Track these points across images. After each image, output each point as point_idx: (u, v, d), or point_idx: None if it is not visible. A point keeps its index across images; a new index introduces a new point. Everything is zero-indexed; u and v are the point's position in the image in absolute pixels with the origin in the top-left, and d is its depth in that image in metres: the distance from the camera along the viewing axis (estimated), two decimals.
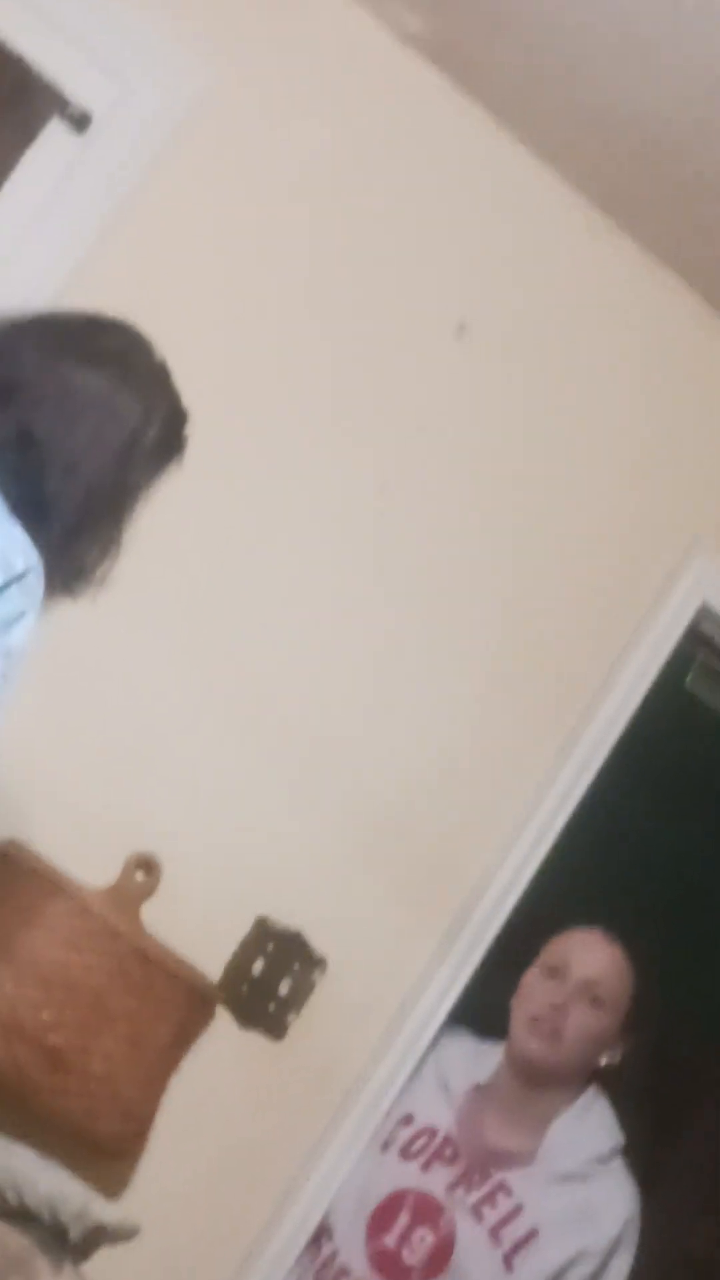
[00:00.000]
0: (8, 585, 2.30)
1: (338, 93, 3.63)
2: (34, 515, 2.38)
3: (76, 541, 2.46)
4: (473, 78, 3.65)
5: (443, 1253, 3.38)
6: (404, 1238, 3.40)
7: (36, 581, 2.35)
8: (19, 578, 2.32)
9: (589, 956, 3.51)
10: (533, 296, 3.76)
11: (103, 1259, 2.81)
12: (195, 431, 3.25)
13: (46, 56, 3.39)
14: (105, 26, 3.42)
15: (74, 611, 3.23)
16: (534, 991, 3.51)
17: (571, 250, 3.81)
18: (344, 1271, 3.40)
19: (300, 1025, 3.48)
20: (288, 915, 3.47)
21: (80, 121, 3.42)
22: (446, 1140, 3.48)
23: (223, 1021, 3.42)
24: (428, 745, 3.63)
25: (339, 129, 3.63)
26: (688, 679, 3.95)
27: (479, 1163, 3.44)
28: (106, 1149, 3.23)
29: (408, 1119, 3.52)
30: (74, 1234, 2.76)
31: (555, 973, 3.50)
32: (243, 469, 3.49)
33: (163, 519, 3.40)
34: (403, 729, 3.61)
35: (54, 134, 3.43)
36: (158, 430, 2.55)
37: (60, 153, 3.43)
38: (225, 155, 3.55)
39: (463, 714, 3.66)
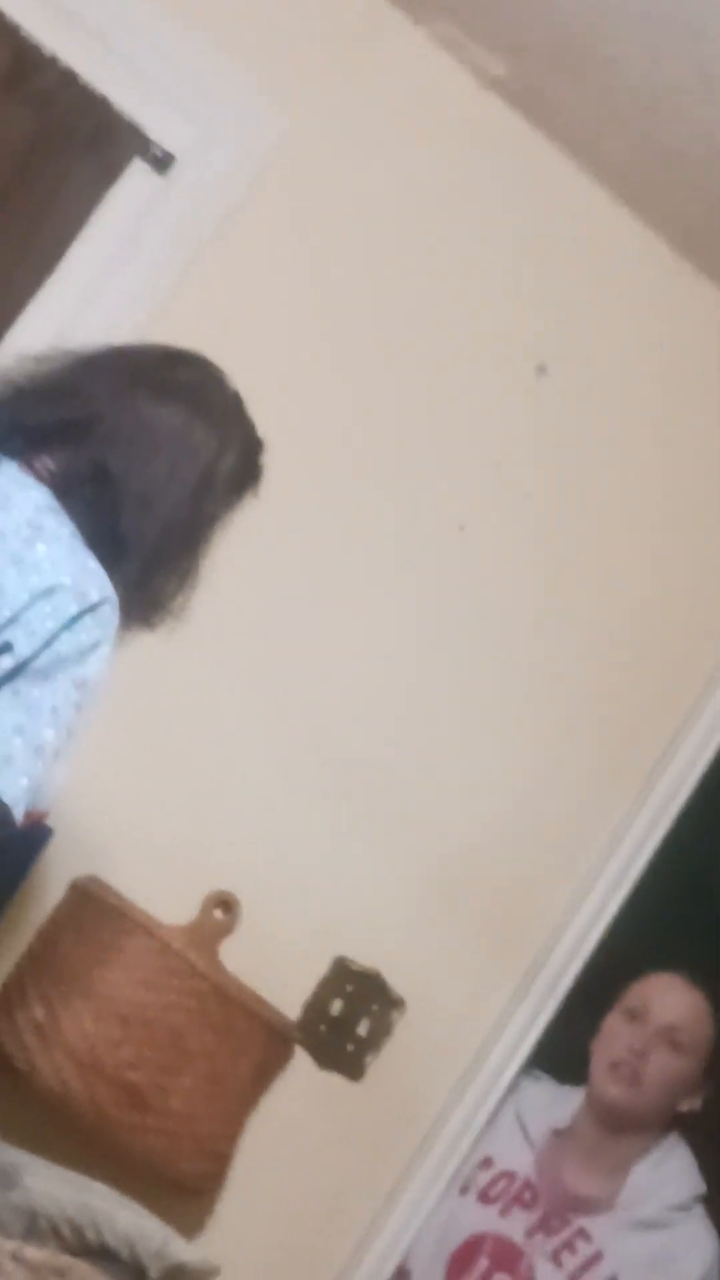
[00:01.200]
0: (82, 615, 2.31)
1: (417, 136, 3.65)
2: (111, 549, 2.40)
3: (153, 575, 2.47)
4: (552, 120, 3.66)
5: None
6: None
7: (111, 612, 2.36)
8: (93, 608, 2.33)
9: (670, 1001, 3.48)
10: (611, 338, 3.76)
11: None
12: (273, 468, 3.27)
13: (129, 98, 3.43)
14: (187, 70, 3.47)
15: (152, 645, 3.26)
16: (614, 1036, 3.49)
17: (649, 291, 3.80)
18: None
19: (379, 1066, 3.48)
20: (366, 956, 3.47)
21: (163, 162, 3.45)
22: (525, 1184, 3.45)
23: (301, 1061, 3.42)
24: (507, 786, 3.62)
25: (418, 172, 3.64)
26: None
27: (558, 1208, 3.41)
28: (185, 1187, 3.23)
29: (487, 1162, 3.50)
30: (153, 1273, 2.74)
31: (636, 1017, 3.47)
32: (321, 505, 3.51)
33: (241, 553, 3.43)
34: (482, 769, 3.61)
35: (137, 174, 3.46)
36: (233, 461, 2.56)
37: (142, 193, 3.46)
38: (304, 198, 3.57)
39: (542, 753, 3.64)
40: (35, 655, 2.26)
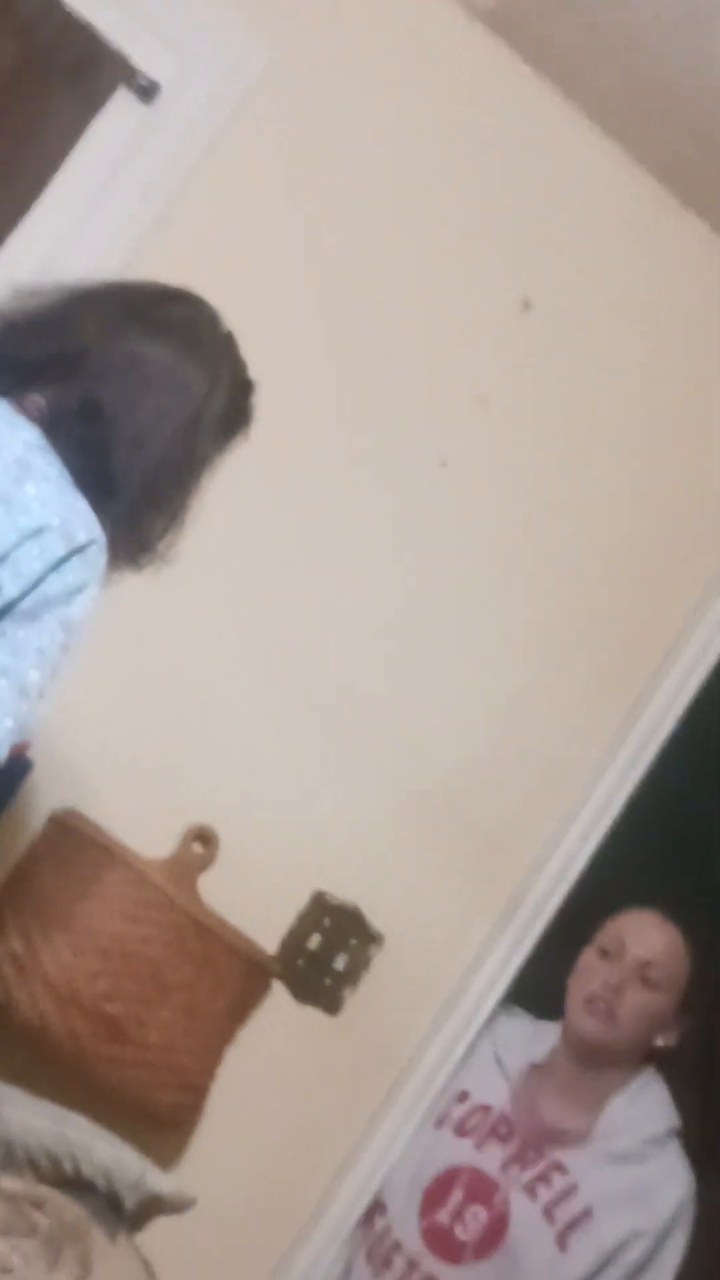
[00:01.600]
0: (69, 557, 2.30)
1: (404, 67, 3.62)
2: (99, 488, 2.38)
3: (142, 515, 2.46)
4: (540, 53, 3.64)
5: (496, 1230, 3.37)
6: (457, 1214, 3.39)
7: (99, 554, 2.35)
8: (80, 549, 2.32)
9: (645, 937, 3.49)
10: (597, 273, 3.75)
11: (157, 1229, 2.81)
12: (257, 401, 3.25)
13: (114, 27, 3.40)
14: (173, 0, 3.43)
15: (135, 584, 3.25)
16: (590, 971, 3.50)
17: (636, 226, 3.79)
18: (397, 1246, 3.40)
19: (356, 1001, 3.49)
20: (345, 890, 3.48)
21: (148, 91, 3.42)
22: (501, 1118, 3.47)
23: (279, 995, 3.43)
24: (486, 721, 3.63)
25: (405, 103, 3.62)
26: None
27: (533, 1141, 3.42)
28: (163, 1119, 3.24)
29: (463, 1096, 3.51)
30: (129, 1204, 2.76)
31: (611, 953, 3.48)
32: (303, 441, 3.49)
33: (224, 486, 3.42)
34: (462, 706, 3.61)
35: (121, 103, 3.43)
36: (224, 402, 2.54)
37: (127, 122, 3.43)
38: (290, 128, 3.55)
39: (521, 690, 3.65)
40: (22, 596, 2.26)
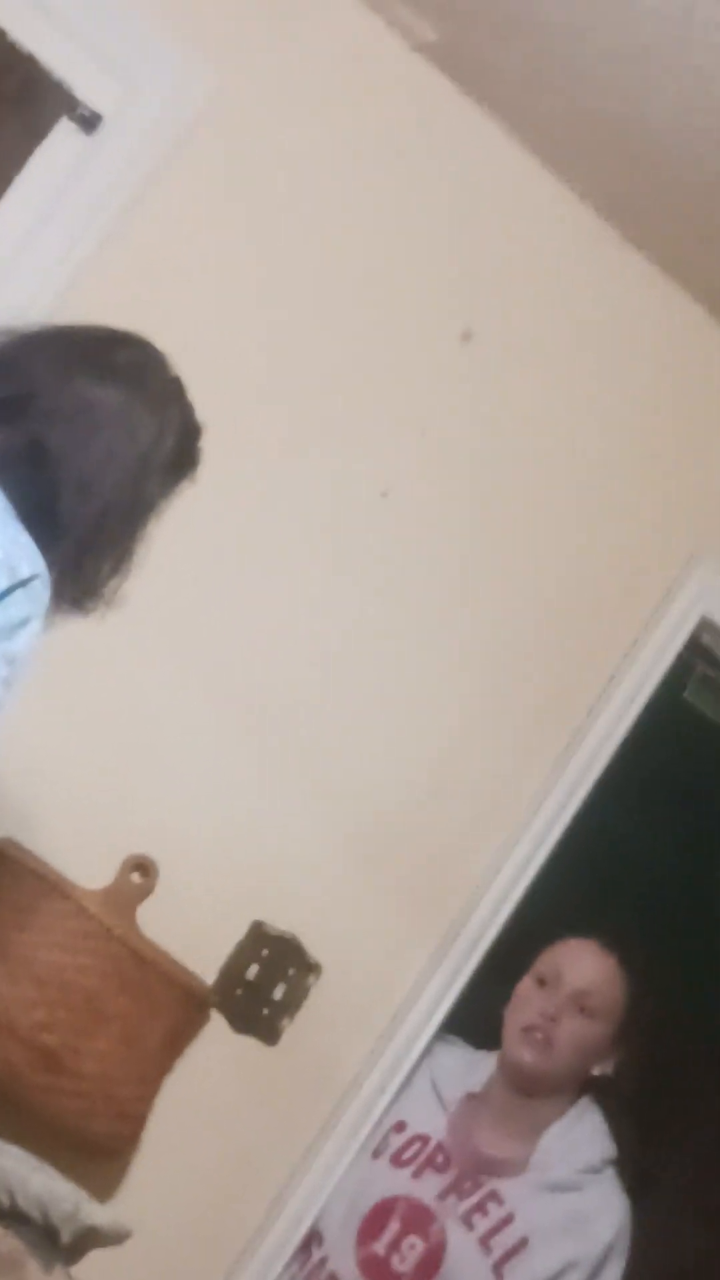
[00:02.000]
0: (11, 590, 2.29)
1: (345, 98, 3.63)
2: (46, 530, 2.37)
3: (88, 558, 2.45)
4: (480, 85, 3.65)
5: (432, 1261, 3.38)
6: (394, 1245, 3.40)
7: (42, 588, 2.35)
8: (24, 583, 2.31)
9: (581, 966, 3.50)
10: (537, 304, 3.76)
11: (94, 1261, 2.79)
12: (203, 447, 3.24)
13: (56, 57, 3.39)
14: (114, 29, 3.42)
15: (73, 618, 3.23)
16: (527, 1001, 3.51)
17: (575, 258, 3.80)
18: (333, 1277, 3.40)
19: (294, 1031, 3.48)
20: (283, 920, 3.47)
21: (90, 122, 3.41)
22: (438, 1148, 3.47)
23: (217, 1025, 3.42)
24: (425, 753, 3.63)
25: (346, 134, 3.63)
26: (686, 690, 3.94)
27: (470, 1171, 3.43)
28: (99, 1149, 3.23)
29: (400, 1126, 3.52)
30: (65, 1236, 2.74)
31: (548, 982, 3.50)
32: (241, 474, 3.48)
33: (165, 522, 3.42)
34: (400, 737, 3.61)
35: (63, 134, 3.43)
36: (172, 446, 2.54)
37: (68, 153, 3.43)
38: (232, 159, 3.55)
39: (461, 722, 3.65)
40: None
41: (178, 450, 2.56)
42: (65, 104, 3.42)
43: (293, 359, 3.56)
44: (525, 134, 3.69)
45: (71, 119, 3.42)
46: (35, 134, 3.42)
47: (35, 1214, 2.73)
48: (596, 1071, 3.52)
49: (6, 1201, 2.72)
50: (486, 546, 3.70)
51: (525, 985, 3.53)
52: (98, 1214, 2.80)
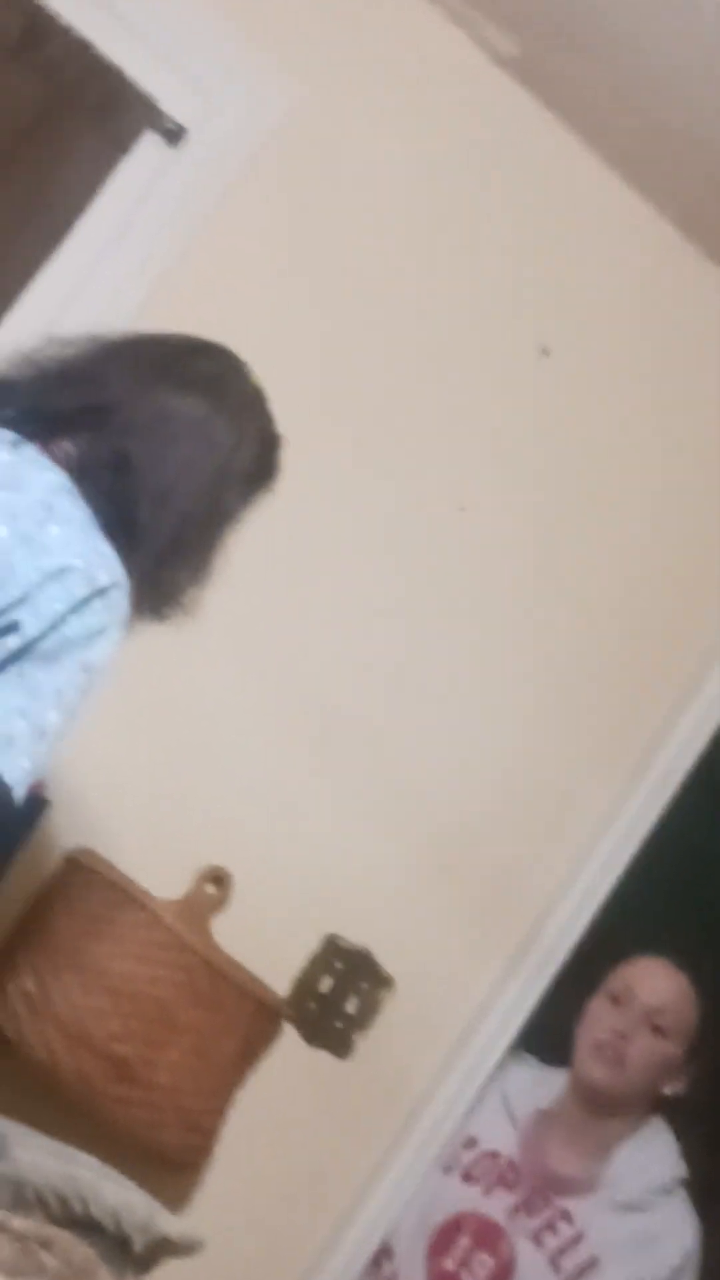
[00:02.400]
0: (91, 598, 2.30)
1: (425, 111, 3.64)
2: (126, 538, 2.38)
3: (166, 567, 2.46)
4: (561, 100, 3.65)
5: (502, 1277, 3.37)
6: (464, 1261, 3.39)
7: (121, 597, 2.35)
8: (102, 592, 2.32)
9: (654, 984, 3.48)
10: (616, 321, 3.76)
11: (165, 1271, 2.79)
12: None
13: (142, 70, 3.42)
14: (199, 41, 3.45)
15: (156, 627, 3.25)
16: (599, 1018, 3.49)
17: (655, 274, 3.80)
18: None
19: (366, 1044, 3.48)
20: (357, 933, 3.47)
21: (174, 134, 3.44)
22: (509, 1165, 3.46)
23: (289, 1038, 3.42)
24: (498, 765, 3.63)
25: (426, 147, 3.63)
26: None
27: (541, 1188, 3.42)
28: (171, 1161, 3.23)
29: (471, 1142, 3.51)
30: (138, 1245, 2.75)
31: (620, 1000, 3.48)
32: (319, 487, 3.49)
33: (242, 535, 3.42)
34: (473, 749, 3.61)
35: (147, 146, 3.45)
36: (250, 456, 2.55)
37: (152, 164, 3.45)
38: (312, 171, 3.56)
39: (535, 733, 3.65)
40: (42, 636, 2.25)
41: (256, 461, 2.57)
42: (150, 116, 3.45)
43: (371, 372, 3.56)
44: (606, 149, 3.70)
45: (156, 131, 3.44)
46: (120, 145, 3.45)
47: (108, 1222, 2.74)
48: (668, 1091, 3.50)
49: (80, 1209, 2.73)
50: (559, 561, 3.69)
51: (597, 1003, 3.51)
52: (170, 1224, 2.80)
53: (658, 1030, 3.45)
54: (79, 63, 3.40)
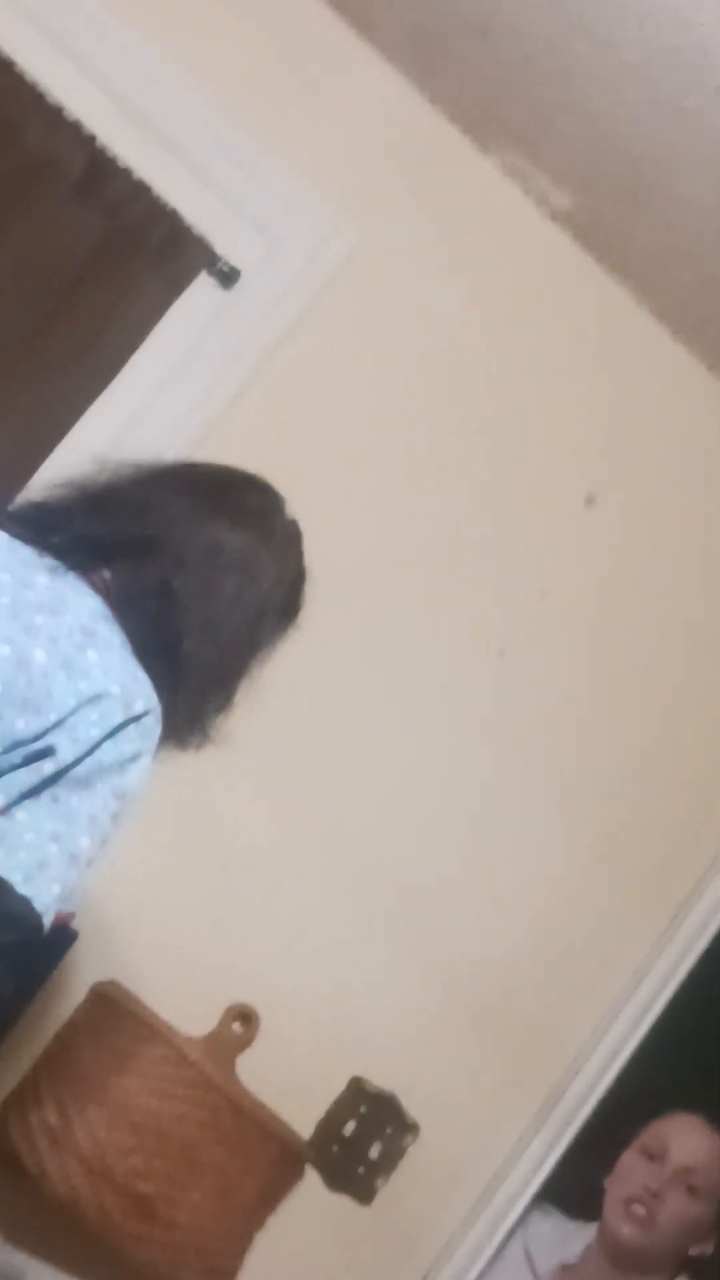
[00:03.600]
0: (126, 725, 2.31)
1: (480, 261, 3.69)
2: (164, 666, 2.39)
3: (200, 697, 2.47)
4: (613, 253, 3.70)
5: None
6: None
7: (154, 723, 2.36)
8: (137, 719, 2.33)
9: (690, 1143, 3.44)
10: (663, 474, 3.78)
11: None
12: (319, 588, 3.26)
13: (199, 211, 3.47)
14: (257, 186, 3.50)
15: (190, 760, 3.25)
16: (631, 1173, 3.44)
17: (704, 430, 3.83)
18: None
19: (389, 1191, 3.44)
20: (383, 1078, 3.44)
21: (229, 277, 3.49)
22: None
23: (311, 1181, 3.39)
24: (531, 915, 3.61)
25: (479, 296, 3.68)
26: None
27: None
28: None
29: None
30: None
31: (654, 1156, 3.43)
32: (363, 624, 3.52)
33: (279, 666, 3.43)
34: (506, 897, 3.59)
35: (202, 288, 3.50)
36: (285, 590, 2.57)
37: (206, 306, 3.50)
38: (366, 317, 3.61)
39: (569, 885, 3.63)
40: (77, 762, 2.26)
41: (289, 595, 2.59)
42: (205, 259, 3.50)
43: (418, 515, 3.59)
44: (656, 303, 3.74)
45: (211, 274, 3.49)
46: (176, 286, 3.50)
47: None
48: (695, 1251, 3.44)
49: None
50: (599, 710, 3.69)
51: (630, 1157, 3.46)
52: None
53: (692, 1190, 3.40)
54: (140, 204, 3.44)
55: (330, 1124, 3.41)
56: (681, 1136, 3.44)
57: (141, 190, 3.44)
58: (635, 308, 3.74)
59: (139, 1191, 3.09)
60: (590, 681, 3.69)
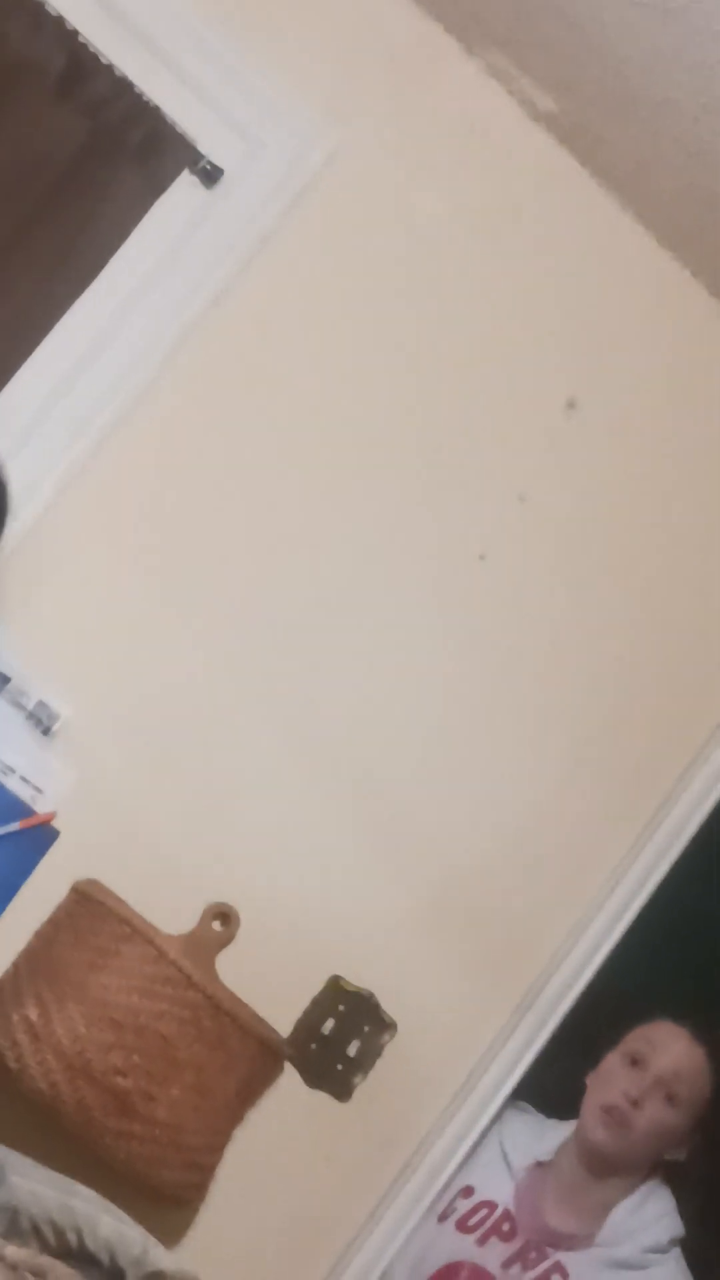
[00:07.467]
0: None
1: (462, 163, 3.66)
2: None
3: None
4: (597, 158, 3.67)
5: None
6: None
7: None
8: None
9: (673, 1052, 3.45)
10: (644, 378, 3.77)
11: None
12: (297, 485, 3.28)
13: (181, 111, 3.44)
14: (240, 84, 3.47)
15: (166, 656, 3.27)
16: (612, 1078, 3.46)
17: (685, 335, 3.81)
18: None
19: (366, 1088, 3.47)
20: (361, 977, 3.47)
21: (211, 175, 3.46)
22: (505, 1215, 3.44)
23: (290, 1078, 3.41)
24: (510, 818, 3.62)
25: (461, 199, 3.66)
26: None
27: (536, 1241, 3.40)
28: (167, 1196, 3.22)
29: (467, 1191, 3.49)
30: (131, 1279, 2.74)
31: (637, 1062, 3.44)
32: (339, 527, 3.52)
33: (258, 571, 3.44)
34: (488, 796, 3.61)
35: (184, 186, 3.48)
36: None
37: (188, 205, 3.47)
38: (348, 219, 3.58)
39: (545, 787, 3.64)
40: None
41: None
42: (188, 157, 3.47)
43: (398, 419, 3.58)
44: (640, 208, 3.72)
45: (194, 172, 3.46)
46: (158, 185, 3.47)
47: (103, 1256, 2.73)
48: (669, 1157, 3.47)
49: (75, 1241, 2.73)
50: (580, 613, 3.70)
51: (612, 1060, 3.48)
52: (164, 1259, 2.80)
53: (671, 1098, 3.42)
54: (122, 102, 3.41)
55: (309, 1022, 3.43)
56: (664, 1045, 3.46)
57: (123, 88, 3.40)
58: (620, 212, 3.72)
59: (118, 1087, 3.12)
60: (568, 586, 3.69)
